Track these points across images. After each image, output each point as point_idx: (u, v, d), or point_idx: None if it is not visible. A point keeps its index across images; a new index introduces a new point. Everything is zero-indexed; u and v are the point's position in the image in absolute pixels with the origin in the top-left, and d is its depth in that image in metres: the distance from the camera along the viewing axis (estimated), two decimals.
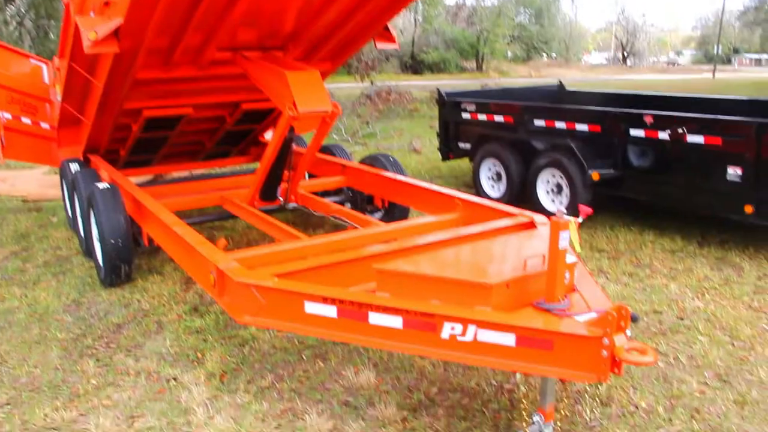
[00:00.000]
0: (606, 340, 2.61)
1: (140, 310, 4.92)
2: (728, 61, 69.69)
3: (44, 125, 7.82)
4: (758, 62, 70.85)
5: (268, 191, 5.77)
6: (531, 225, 4.32)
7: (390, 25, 6.05)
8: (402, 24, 46.57)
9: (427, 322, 2.92)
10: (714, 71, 44.59)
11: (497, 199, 7.87)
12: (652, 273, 5.54)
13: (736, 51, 73.23)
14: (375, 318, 3.05)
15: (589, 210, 3.20)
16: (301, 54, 6.19)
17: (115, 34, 4.72)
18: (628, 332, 2.70)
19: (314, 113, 4.97)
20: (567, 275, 3.12)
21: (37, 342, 4.46)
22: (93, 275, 5.65)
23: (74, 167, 6.58)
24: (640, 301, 4.94)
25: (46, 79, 8.09)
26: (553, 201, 7.24)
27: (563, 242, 2.90)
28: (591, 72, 48.94)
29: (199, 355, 4.16)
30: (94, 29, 4.71)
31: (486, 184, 8.27)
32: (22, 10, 25.70)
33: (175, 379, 3.88)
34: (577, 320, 2.84)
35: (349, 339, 3.17)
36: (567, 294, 3.09)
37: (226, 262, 3.61)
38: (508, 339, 2.77)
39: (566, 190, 7.01)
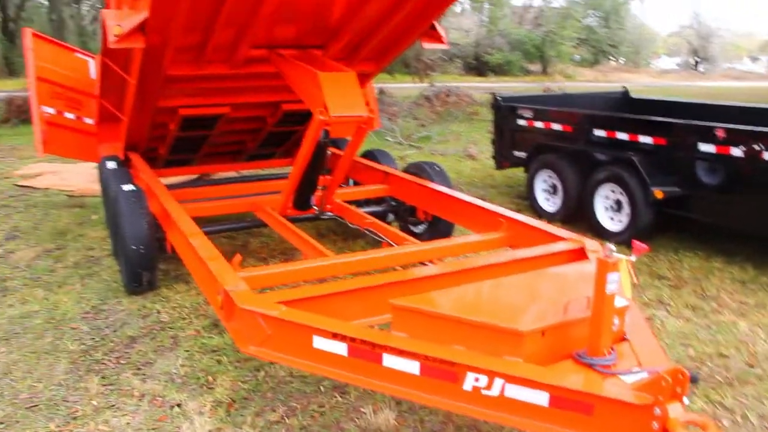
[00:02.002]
0: (657, 410, 2.16)
1: (158, 322, 4.65)
2: None
3: (88, 121, 7.68)
4: None
5: (301, 199, 5.42)
6: (581, 253, 3.84)
7: (438, 24, 5.63)
8: (467, 24, 45.89)
9: (448, 371, 2.52)
10: None
11: (552, 214, 7.41)
12: (718, 307, 4.97)
13: None
14: (389, 361, 2.65)
15: (644, 247, 2.73)
16: (342, 54, 5.83)
17: (142, 28, 4.49)
18: (686, 400, 2.24)
19: (347, 118, 4.60)
20: (616, 321, 2.67)
21: (47, 352, 4.23)
22: (119, 280, 5.43)
23: (110, 165, 6.39)
24: (703, 341, 4.39)
25: (93, 74, 7.97)
26: (611, 219, 6.70)
27: (611, 286, 2.44)
28: (660, 77, 47.12)
29: (210, 378, 3.84)
30: (118, 23, 4.49)
31: (540, 196, 7.75)
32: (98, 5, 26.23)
33: (179, 405, 3.57)
34: (624, 381, 2.39)
35: (359, 381, 2.78)
36: (615, 345, 2.63)
37: (235, 283, 3.27)
38: (540, 398, 2.35)
39: (626, 208, 6.46)
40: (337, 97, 4.58)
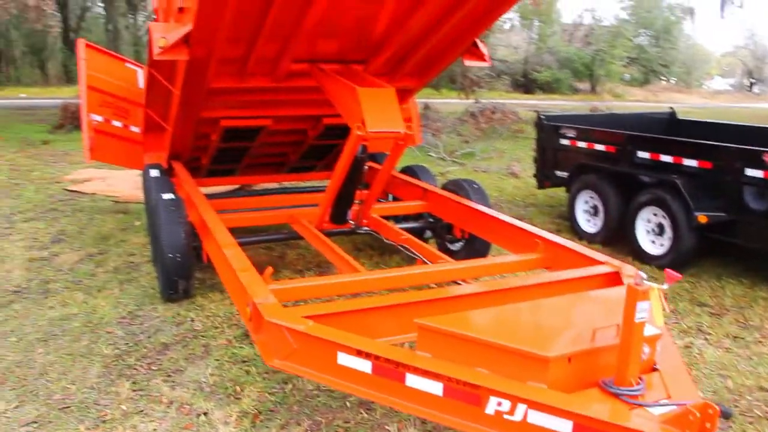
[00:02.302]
0: None
1: (191, 330, 4.71)
2: None
3: (134, 129, 7.86)
4: None
5: (338, 213, 5.44)
6: (616, 278, 3.75)
7: (480, 42, 5.61)
8: (516, 41, 45.69)
9: (471, 394, 2.48)
10: None
11: (593, 235, 7.29)
12: (761, 338, 4.80)
13: None
14: (413, 380, 2.63)
15: (677, 276, 2.65)
16: (384, 69, 5.85)
17: (186, 41, 4.58)
18: None
19: (385, 134, 4.61)
20: (646, 350, 2.59)
21: (82, 355, 4.32)
22: (156, 286, 5.52)
23: (153, 173, 6.52)
24: (743, 372, 4.24)
25: (141, 84, 8.16)
26: (653, 242, 6.54)
27: (640, 314, 2.37)
28: (713, 98, 46.13)
29: (238, 389, 3.87)
30: (164, 36, 4.59)
31: (581, 217, 7.63)
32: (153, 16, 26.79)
33: (206, 414, 3.60)
34: (651, 413, 2.31)
35: (382, 400, 2.76)
36: (644, 374, 2.56)
37: (264, 295, 3.28)
38: (564, 426, 2.29)
39: (668, 232, 6.31)
40: (376, 113, 4.59)
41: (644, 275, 2.41)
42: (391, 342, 3.14)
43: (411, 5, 4.85)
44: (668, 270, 2.65)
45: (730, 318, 5.19)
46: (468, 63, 5.80)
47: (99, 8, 30.00)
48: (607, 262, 3.97)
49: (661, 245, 6.43)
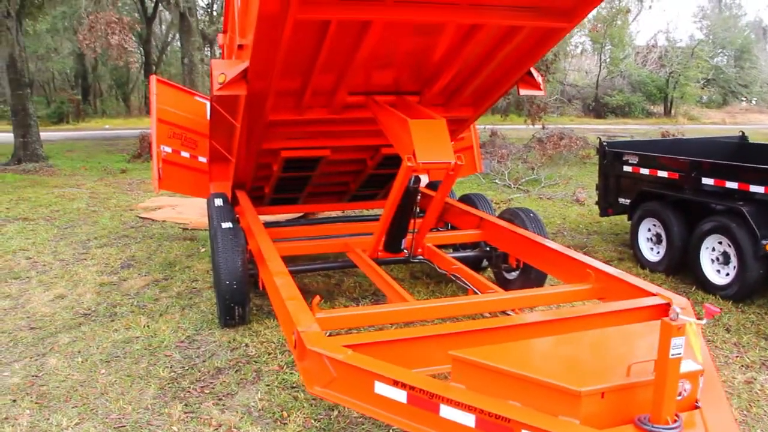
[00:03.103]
0: None
1: (245, 355, 4.84)
2: None
3: (202, 159, 8.17)
4: None
5: (391, 242, 5.50)
6: (666, 310, 3.66)
7: (534, 71, 5.61)
8: (587, 65, 45.07)
9: (502, 426, 2.48)
10: None
11: (656, 264, 7.11)
12: None
13: None
14: (446, 411, 2.65)
15: (716, 311, 2.58)
16: (439, 100, 5.93)
17: (244, 76, 4.78)
18: None
19: (435, 165, 4.66)
20: (687, 387, 2.53)
21: (140, 377, 4.51)
22: (215, 312, 5.70)
23: (216, 202, 6.75)
24: None
25: (209, 116, 8.49)
26: (718, 272, 6.33)
27: (675, 351, 2.33)
28: None
29: (285, 414, 3.95)
30: (223, 72, 4.79)
31: (644, 245, 7.44)
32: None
33: None
34: None
35: (416, 429, 2.77)
36: (684, 411, 2.50)
37: (308, 324, 3.37)
38: None
39: (734, 261, 6.09)
40: (426, 144, 4.65)
41: (679, 309, 2.36)
42: (428, 372, 3.16)
43: (463, 37, 4.92)
44: (707, 305, 2.59)
45: None
46: (523, 92, 5.80)
47: (178, 43, 31.38)
48: (658, 294, 3.88)
49: (727, 275, 6.21)
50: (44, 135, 18.61)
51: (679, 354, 2.34)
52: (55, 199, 11.92)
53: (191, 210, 10.79)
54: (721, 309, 2.81)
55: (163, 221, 9.97)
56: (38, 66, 33.32)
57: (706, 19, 42.40)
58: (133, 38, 30.30)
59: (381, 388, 2.85)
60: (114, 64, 25.24)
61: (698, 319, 2.52)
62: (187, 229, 9.47)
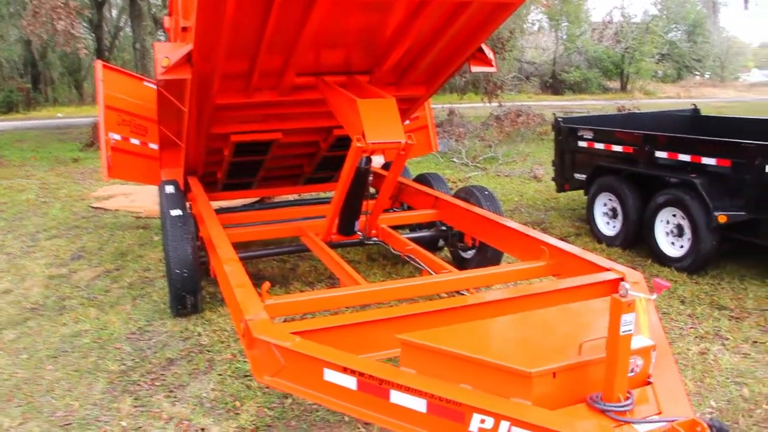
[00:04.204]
0: None
1: (197, 345, 4.73)
2: None
3: (152, 146, 7.95)
4: None
5: (345, 224, 5.42)
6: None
7: (485, 47, 5.55)
8: (544, 42, 45.26)
9: (454, 411, 2.43)
10: None
11: (612, 238, 7.16)
12: None
13: None
14: (397, 397, 2.59)
15: (665, 285, 2.56)
16: (390, 78, 5.83)
17: (189, 60, 4.62)
18: None
19: (385, 145, 4.57)
20: (639, 363, 2.51)
21: (89, 371, 4.38)
22: (167, 301, 5.55)
23: (168, 189, 6.57)
24: (761, 380, 4.10)
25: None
26: (672, 244, 6.39)
27: (626, 327, 2.30)
28: (749, 92, 45.06)
29: (237, 404, 3.87)
30: (166, 55, 4.63)
31: (600, 220, 7.49)
32: None
33: (203, 430, 3.61)
34: (638, 430, 2.24)
35: (367, 416, 2.72)
36: (637, 388, 2.48)
37: (256, 312, 3.27)
38: None
39: (688, 233, 6.15)
40: (375, 124, 4.56)
41: (628, 285, 2.33)
42: (380, 357, 3.11)
43: (412, 13, 4.82)
44: (656, 279, 2.56)
45: (751, 322, 5.03)
46: (475, 69, 5.73)
47: (130, 28, 30.64)
48: (611, 269, 3.87)
49: (681, 247, 6.28)
50: None
51: (630, 331, 2.31)
52: (2, 191, 11.53)
53: (145, 198, 10.53)
54: (670, 283, 2.80)
55: (116, 210, 9.72)
56: None
57: None
58: (83, 23, 29.48)
59: (330, 375, 2.78)
60: (63, 51, 24.48)
61: (649, 294, 2.49)
62: (141, 217, 9.25)
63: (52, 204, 10.31)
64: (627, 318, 2.32)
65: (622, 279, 3.73)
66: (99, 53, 33.43)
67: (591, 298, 3.58)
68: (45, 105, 34.42)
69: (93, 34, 33.98)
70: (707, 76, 48.80)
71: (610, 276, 3.79)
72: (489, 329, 2.86)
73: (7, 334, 5.07)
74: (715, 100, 34.44)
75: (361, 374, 2.67)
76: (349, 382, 2.72)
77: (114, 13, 38.06)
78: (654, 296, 2.50)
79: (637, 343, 2.49)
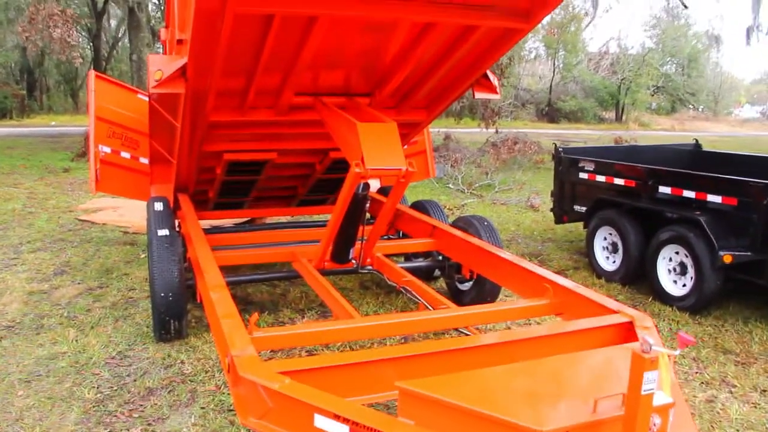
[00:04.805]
0: None
1: (180, 373, 4.49)
2: None
3: (143, 160, 7.74)
4: None
5: (339, 252, 5.20)
6: (629, 331, 3.46)
7: (490, 73, 5.39)
8: (541, 71, 45.50)
9: None
10: None
11: (612, 273, 6.98)
12: None
13: None
14: None
15: (691, 340, 2.37)
16: (390, 102, 5.66)
17: (183, 74, 4.44)
18: None
19: (384, 171, 4.38)
20: (657, 422, 2.31)
21: (62, 399, 4.12)
22: (151, 324, 5.31)
23: (157, 206, 6.35)
24: None
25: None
26: (675, 282, 6.21)
27: (648, 386, 2.10)
28: (741, 127, 45.35)
29: None
30: (160, 68, 4.45)
31: (600, 255, 7.31)
32: None
33: None
34: None
35: None
36: None
37: (242, 347, 3.05)
38: None
39: (691, 272, 5.98)
40: (375, 149, 4.38)
41: (651, 339, 2.13)
42: (375, 400, 2.89)
43: (416, 36, 4.67)
44: (681, 334, 2.37)
45: (758, 368, 4.84)
46: (478, 96, 5.58)
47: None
48: (620, 311, 3.68)
49: (684, 285, 6.10)
50: None
51: (652, 390, 2.12)
52: None
53: (134, 213, 10.27)
54: (695, 339, 2.62)
55: (104, 224, 9.48)
56: None
57: (657, 28, 43.18)
58: (80, 33, 29.36)
59: (321, 422, 2.56)
60: (60, 59, 24.35)
61: (671, 348, 2.30)
62: (128, 233, 9.02)
63: (39, 215, 10.06)
64: (650, 376, 2.12)
65: (631, 323, 3.54)
66: (96, 63, 33.30)
67: (600, 342, 3.40)
68: (39, 113, 34.16)
69: (91, 44, 33.87)
70: (701, 109, 49.13)
71: (618, 319, 3.59)
72: (494, 378, 2.65)
73: None
74: (708, 134, 34.59)
75: (355, 423, 2.45)
76: (342, 430, 2.51)
77: (113, 23, 38.00)
78: (677, 352, 2.31)
79: (656, 400, 2.29)
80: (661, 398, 2.37)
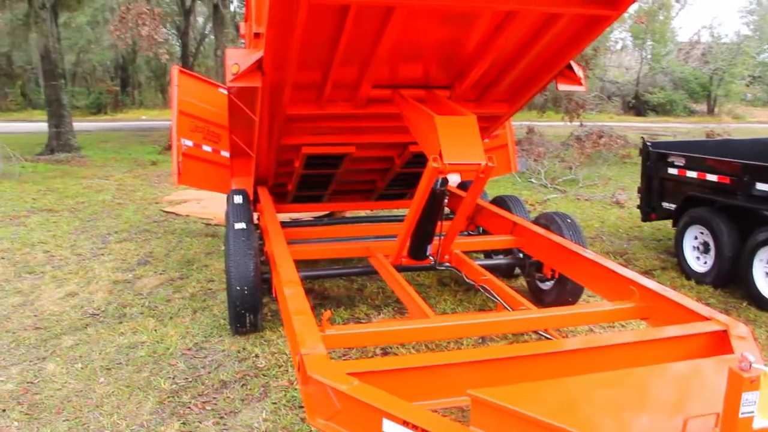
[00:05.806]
0: None
1: (254, 367, 4.50)
2: None
3: (225, 153, 7.86)
4: None
5: (416, 248, 5.08)
6: (723, 340, 3.20)
7: (575, 64, 5.16)
8: (627, 62, 43.90)
9: None
10: None
11: (702, 275, 6.58)
12: None
13: None
14: None
15: None
16: (471, 95, 5.51)
17: (259, 67, 4.44)
18: None
19: (463, 166, 4.24)
20: None
21: (140, 388, 4.20)
22: (227, 317, 5.37)
23: (236, 199, 6.42)
24: None
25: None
26: None
27: (746, 408, 1.90)
28: None
29: None
30: (236, 62, 4.46)
31: (690, 255, 6.91)
32: None
33: None
34: None
35: None
36: None
37: (312, 345, 2.99)
38: None
39: None
40: (454, 143, 4.24)
41: (752, 358, 1.93)
42: (446, 404, 2.78)
43: (497, 25, 4.50)
44: None
45: None
46: (562, 87, 5.36)
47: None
48: (712, 318, 3.42)
49: None
50: (81, 125, 18.64)
51: (751, 413, 1.91)
52: (82, 191, 11.79)
53: (216, 204, 10.45)
54: None
55: (187, 216, 9.73)
56: (81, 57, 33.67)
57: (755, 14, 40.83)
58: (170, 30, 30.36)
59: (390, 427, 2.46)
60: (148, 56, 25.27)
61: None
62: (211, 224, 9.21)
63: (126, 206, 10.42)
64: (749, 397, 1.92)
65: (725, 331, 3.28)
66: (184, 59, 34.35)
67: (689, 351, 3.16)
68: (131, 107, 35.67)
69: (180, 41, 34.97)
70: None
71: (711, 327, 3.33)
72: (576, 389, 2.47)
73: (65, 340, 4.99)
74: None
75: (424, 431, 2.35)
76: None
77: (200, 20, 39.12)
78: None
79: (755, 424, 2.08)
80: (760, 423, 2.15)
